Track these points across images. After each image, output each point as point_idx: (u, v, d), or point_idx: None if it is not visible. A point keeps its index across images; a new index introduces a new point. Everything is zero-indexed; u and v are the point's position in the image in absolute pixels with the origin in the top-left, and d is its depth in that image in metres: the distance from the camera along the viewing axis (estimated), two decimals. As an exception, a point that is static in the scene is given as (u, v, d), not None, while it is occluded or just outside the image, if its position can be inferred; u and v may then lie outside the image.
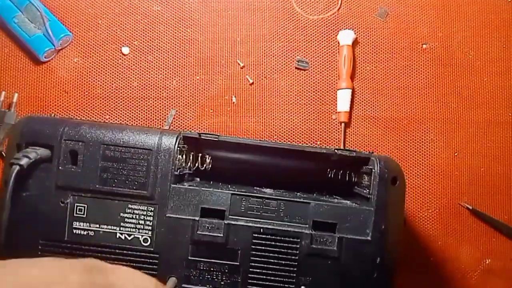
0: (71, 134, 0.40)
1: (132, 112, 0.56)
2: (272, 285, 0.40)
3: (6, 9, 0.54)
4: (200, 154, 0.45)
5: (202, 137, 0.42)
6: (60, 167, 0.40)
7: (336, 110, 0.56)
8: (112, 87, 0.56)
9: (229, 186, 0.43)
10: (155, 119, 0.56)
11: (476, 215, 0.56)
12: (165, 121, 0.56)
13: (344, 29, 0.57)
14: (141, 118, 0.56)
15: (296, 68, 0.57)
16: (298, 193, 0.43)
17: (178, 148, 0.40)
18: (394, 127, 0.56)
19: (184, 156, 0.42)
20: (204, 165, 0.45)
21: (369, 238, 0.39)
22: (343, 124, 0.56)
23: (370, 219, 0.40)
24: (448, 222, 0.55)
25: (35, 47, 0.54)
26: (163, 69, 0.57)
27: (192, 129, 0.56)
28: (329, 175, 0.45)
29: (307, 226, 0.40)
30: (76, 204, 0.40)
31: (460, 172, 0.56)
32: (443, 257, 0.54)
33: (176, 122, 0.56)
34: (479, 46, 0.58)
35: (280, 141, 0.55)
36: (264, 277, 0.40)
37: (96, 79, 0.56)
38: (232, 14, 0.57)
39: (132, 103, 0.56)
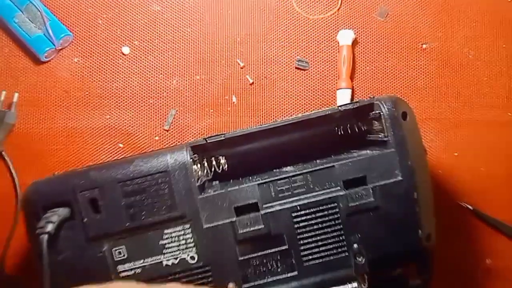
0: (84, 184, 0.40)
1: (132, 112, 0.56)
2: (326, 255, 0.40)
3: (6, 9, 0.54)
4: (213, 158, 0.44)
5: (208, 141, 0.42)
6: (85, 220, 0.39)
7: (336, 110, 0.56)
8: (112, 86, 0.56)
9: (251, 178, 0.42)
10: (155, 118, 0.56)
11: (477, 215, 0.55)
12: (165, 121, 0.56)
13: (344, 29, 0.57)
14: (141, 118, 0.56)
15: (296, 68, 0.57)
16: (318, 161, 0.43)
17: (191, 159, 0.40)
18: (394, 127, 0.56)
19: (198, 165, 0.42)
20: (221, 167, 0.44)
21: (400, 178, 0.40)
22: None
23: (395, 160, 0.40)
24: (448, 222, 0.55)
25: (36, 47, 0.54)
26: (163, 69, 0.57)
27: (192, 129, 0.56)
28: (339, 133, 0.45)
29: (338, 188, 0.40)
30: (113, 249, 0.39)
31: (460, 172, 0.56)
32: (443, 257, 0.54)
33: (176, 122, 0.56)
34: (479, 46, 0.57)
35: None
36: (316, 250, 0.40)
37: (96, 79, 0.56)
38: (232, 14, 0.57)
39: (132, 103, 0.56)
